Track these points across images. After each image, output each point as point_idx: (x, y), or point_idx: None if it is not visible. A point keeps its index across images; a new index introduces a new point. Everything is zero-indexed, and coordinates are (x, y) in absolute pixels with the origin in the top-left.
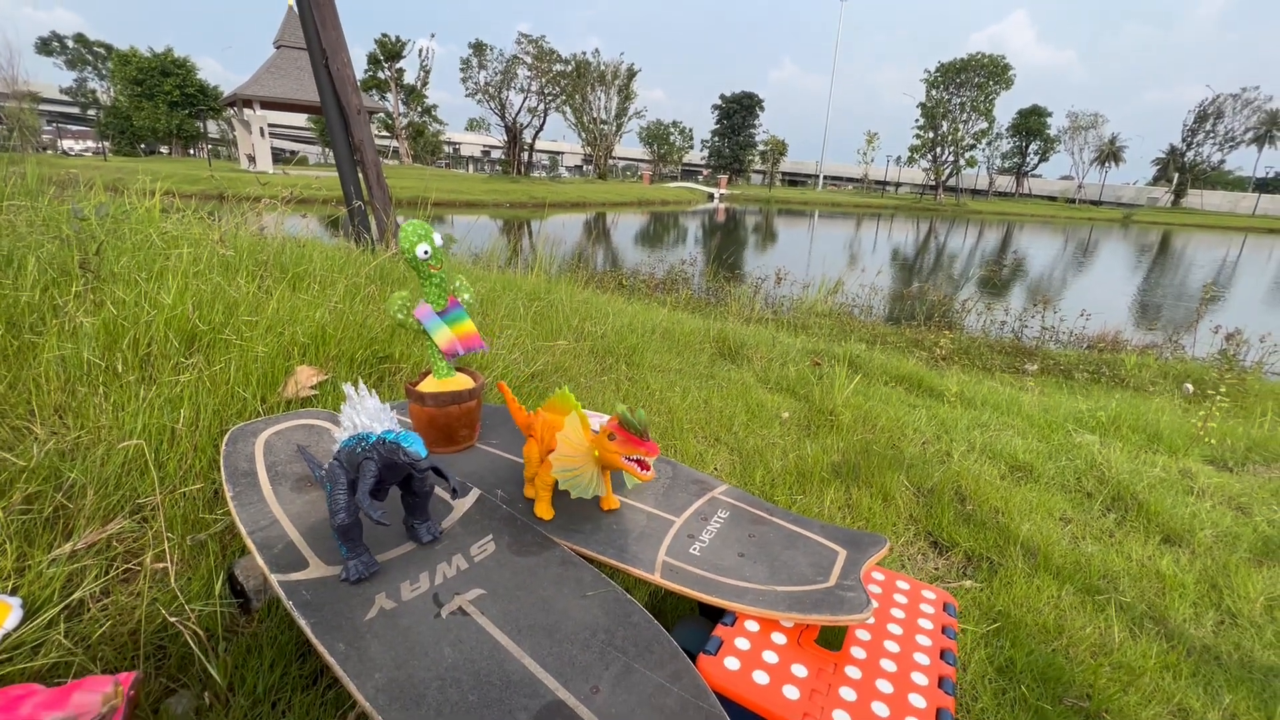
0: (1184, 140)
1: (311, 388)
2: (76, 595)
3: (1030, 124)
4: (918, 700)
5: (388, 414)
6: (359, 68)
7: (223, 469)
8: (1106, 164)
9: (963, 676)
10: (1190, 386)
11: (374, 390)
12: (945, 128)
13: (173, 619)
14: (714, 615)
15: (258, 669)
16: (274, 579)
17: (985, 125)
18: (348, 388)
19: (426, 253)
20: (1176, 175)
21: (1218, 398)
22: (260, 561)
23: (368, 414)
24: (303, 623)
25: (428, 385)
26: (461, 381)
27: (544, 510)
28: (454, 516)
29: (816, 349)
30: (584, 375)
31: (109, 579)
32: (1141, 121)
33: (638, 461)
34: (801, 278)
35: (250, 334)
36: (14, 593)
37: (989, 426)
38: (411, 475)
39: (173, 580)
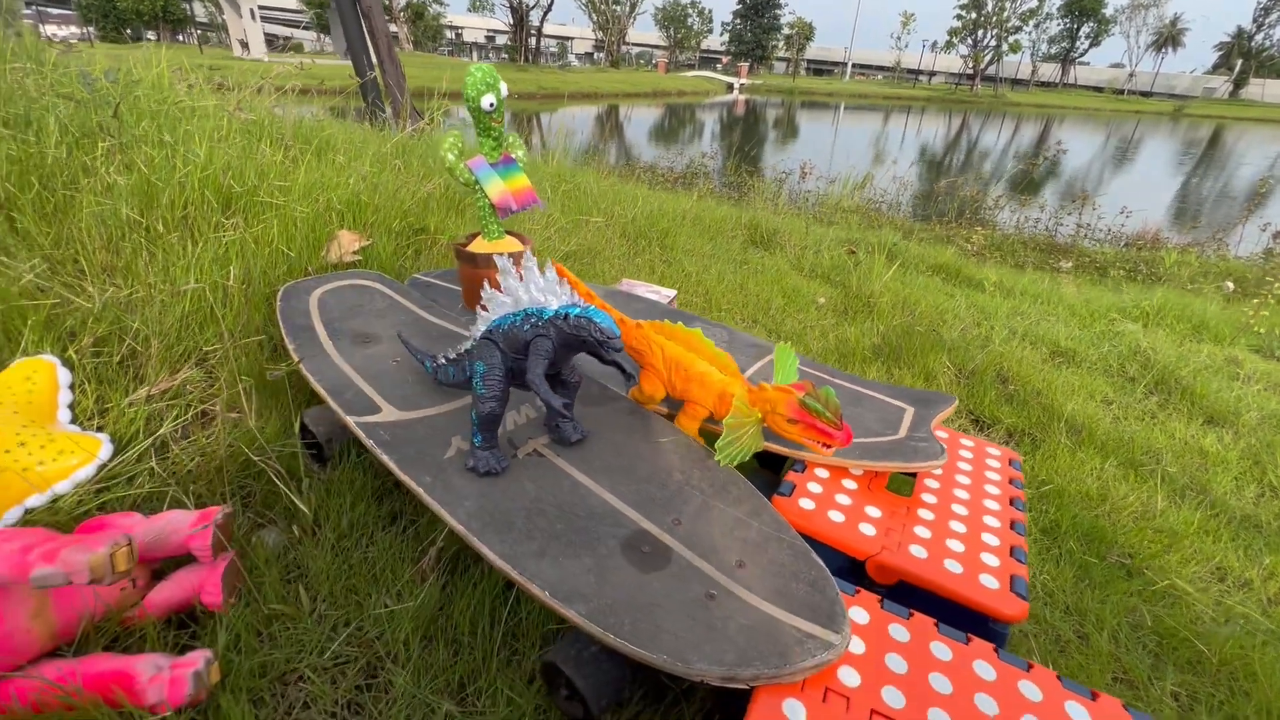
0: (1255, 20)
1: (355, 252)
2: (160, 433)
3: (1085, 2)
4: (991, 539)
5: (564, 288)
6: None
7: (281, 323)
8: (1164, 49)
9: None
10: (1230, 284)
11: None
12: (990, 6)
13: (255, 457)
14: (773, 468)
15: (340, 508)
16: (350, 421)
17: (1035, 4)
18: (500, 260)
19: (492, 105)
20: (1240, 62)
21: (1277, 285)
22: (334, 405)
23: (539, 287)
24: (386, 459)
25: (478, 246)
26: (511, 244)
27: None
28: None
29: (851, 238)
30: (618, 257)
31: (187, 419)
32: (1208, 1)
33: (821, 431)
34: (826, 174)
35: (285, 199)
36: (100, 430)
37: (1029, 315)
38: (560, 368)
39: (251, 421)
